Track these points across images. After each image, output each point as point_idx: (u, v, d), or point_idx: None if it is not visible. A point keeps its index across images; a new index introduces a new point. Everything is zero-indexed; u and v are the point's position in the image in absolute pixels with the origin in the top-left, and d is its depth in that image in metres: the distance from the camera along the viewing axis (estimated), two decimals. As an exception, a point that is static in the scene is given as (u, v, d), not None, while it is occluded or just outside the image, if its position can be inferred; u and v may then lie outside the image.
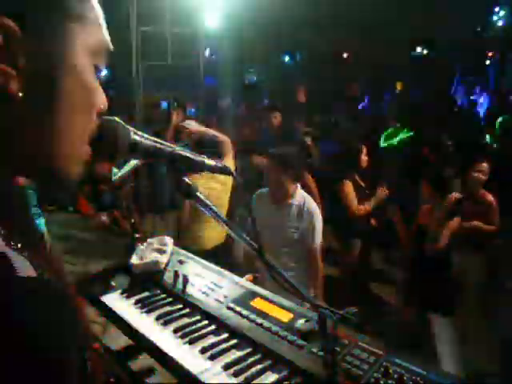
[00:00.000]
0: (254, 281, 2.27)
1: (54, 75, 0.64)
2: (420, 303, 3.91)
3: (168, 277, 1.83)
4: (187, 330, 1.52)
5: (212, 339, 1.48)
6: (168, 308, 1.67)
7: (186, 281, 1.74)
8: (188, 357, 1.39)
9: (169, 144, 1.03)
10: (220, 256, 3.89)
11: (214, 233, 4.08)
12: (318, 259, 3.43)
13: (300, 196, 3.42)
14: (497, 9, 14.42)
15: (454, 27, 12.49)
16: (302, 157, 3.81)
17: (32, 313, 0.55)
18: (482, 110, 10.77)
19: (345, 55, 15.96)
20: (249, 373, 1.31)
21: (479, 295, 4.27)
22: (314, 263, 3.42)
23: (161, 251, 1.97)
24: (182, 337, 1.48)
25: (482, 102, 11.37)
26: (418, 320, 3.88)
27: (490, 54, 14.74)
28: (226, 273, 1.84)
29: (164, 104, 9.59)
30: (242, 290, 1.69)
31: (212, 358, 1.38)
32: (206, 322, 1.57)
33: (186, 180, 1.04)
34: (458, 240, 3.89)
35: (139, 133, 0.98)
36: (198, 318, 1.59)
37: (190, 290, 1.73)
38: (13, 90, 0.60)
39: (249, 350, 1.41)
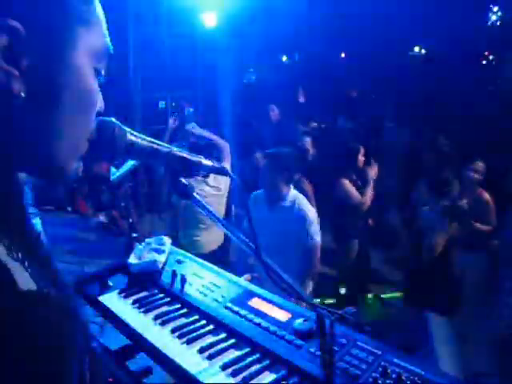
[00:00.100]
0: (252, 280, 2.27)
1: (57, 76, 0.64)
2: (419, 303, 3.91)
3: (166, 276, 1.83)
4: (185, 329, 1.52)
5: (210, 339, 1.47)
6: (166, 308, 1.66)
7: (183, 280, 1.74)
8: (186, 356, 1.38)
9: (166, 145, 1.03)
10: (217, 260, 3.90)
11: (211, 237, 4.09)
12: (316, 256, 3.43)
13: (293, 196, 3.43)
14: (495, 8, 14.43)
15: (454, 27, 12.51)
16: (297, 159, 3.81)
17: (31, 327, 0.55)
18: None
19: (343, 55, 15.97)
20: (247, 372, 1.31)
21: (479, 295, 4.28)
22: (312, 260, 3.43)
23: (159, 251, 1.97)
24: (180, 336, 1.48)
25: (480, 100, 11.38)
26: (417, 319, 3.89)
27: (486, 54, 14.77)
28: (224, 272, 1.84)
29: (162, 104, 9.59)
30: (240, 290, 1.69)
31: (210, 357, 1.37)
32: (203, 321, 1.57)
33: (183, 180, 1.04)
34: (458, 240, 3.90)
35: (136, 133, 0.98)
36: (196, 317, 1.59)
37: (187, 289, 1.72)
38: (15, 90, 0.60)
39: (247, 349, 1.41)
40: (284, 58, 17.02)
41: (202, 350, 1.40)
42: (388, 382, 1.19)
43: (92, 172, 4.88)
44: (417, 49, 16.19)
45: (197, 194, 1.08)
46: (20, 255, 0.59)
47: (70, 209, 4.12)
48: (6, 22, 0.58)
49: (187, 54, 9.57)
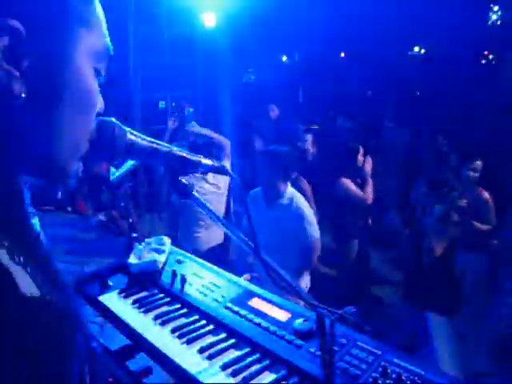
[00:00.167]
0: (252, 280, 2.27)
1: (57, 77, 0.65)
2: (419, 303, 3.91)
3: (166, 276, 1.83)
4: (185, 329, 1.52)
5: (210, 339, 1.47)
6: (166, 308, 1.66)
7: (183, 280, 1.74)
8: (186, 356, 1.38)
9: (166, 144, 1.03)
10: (217, 258, 3.90)
11: (211, 235, 4.09)
12: (315, 254, 3.44)
13: (290, 194, 3.45)
14: (496, 8, 14.41)
15: (453, 26, 12.51)
16: (295, 157, 3.82)
17: (33, 331, 0.55)
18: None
19: (342, 55, 15.97)
20: (247, 373, 1.31)
21: (479, 295, 4.28)
22: (311, 258, 3.44)
23: (159, 251, 1.97)
24: (180, 336, 1.48)
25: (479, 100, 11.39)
26: (417, 319, 3.89)
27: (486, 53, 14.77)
28: (224, 272, 1.84)
29: (162, 104, 9.59)
30: (240, 290, 1.69)
31: (210, 357, 1.37)
32: (203, 321, 1.57)
33: (183, 180, 1.04)
34: (458, 241, 3.90)
35: (136, 133, 0.98)
36: (196, 317, 1.59)
37: (187, 289, 1.72)
38: (16, 90, 0.60)
39: (247, 349, 1.41)
40: (284, 58, 17.02)
41: (201, 350, 1.40)
42: (388, 381, 1.19)
43: (92, 172, 4.88)
44: (416, 49, 16.18)
45: (196, 191, 1.08)
46: (21, 258, 0.59)
47: (69, 209, 4.12)
48: (7, 23, 0.58)
49: (187, 54, 9.57)
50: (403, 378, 1.19)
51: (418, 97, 11.37)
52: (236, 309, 1.57)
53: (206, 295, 1.68)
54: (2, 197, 0.63)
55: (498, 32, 14.19)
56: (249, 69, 15.51)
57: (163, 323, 1.56)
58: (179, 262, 1.93)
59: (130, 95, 8.09)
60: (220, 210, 4.15)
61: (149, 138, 1.00)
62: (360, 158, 4.87)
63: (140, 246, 2.03)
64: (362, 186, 4.86)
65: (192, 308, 1.64)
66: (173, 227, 4.54)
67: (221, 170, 1.12)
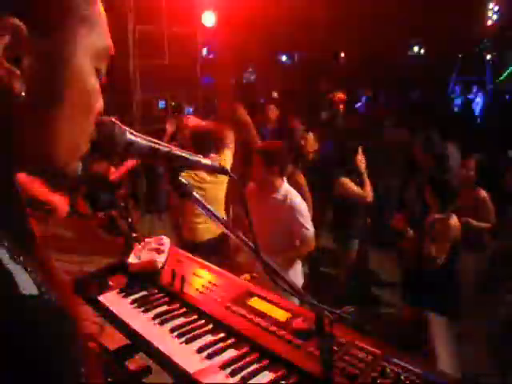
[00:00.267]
0: (252, 280, 2.27)
1: (58, 76, 0.64)
2: (419, 303, 3.91)
3: (165, 276, 1.83)
4: (184, 329, 1.52)
5: (209, 338, 1.48)
6: (165, 307, 1.66)
7: (183, 280, 1.74)
8: (185, 356, 1.38)
9: (165, 144, 1.03)
10: (217, 248, 3.91)
11: (210, 224, 4.07)
12: (306, 244, 3.45)
13: (284, 190, 3.48)
14: (496, 8, 14.37)
15: (453, 26, 12.51)
16: (288, 152, 3.85)
17: (31, 330, 0.55)
18: (477, 109, 10.81)
19: (342, 55, 15.97)
20: (246, 372, 1.31)
21: (479, 295, 4.28)
22: (305, 246, 3.46)
23: (158, 251, 1.97)
24: (179, 336, 1.48)
25: (479, 101, 11.41)
26: (416, 319, 3.89)
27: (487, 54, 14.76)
28: (224, 272, 1.84)
29: (161, 104, 9.58)
30: (240, 290, 1.69)
31: (209, 357, 1.37)
32: (202, 321, 1.57)
33: (182, 180, 1.04)
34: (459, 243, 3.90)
35: (135, 133, 0.98)
36: (195, 317, 1.59)
37: (187, 289, 1.73)
38: (16, 89, 0.60)
39: (246, 349, 1.41)
40: (284, 58, 17.01)
41: (200, 350, 1.40)
42: (387, 381, 1.20)
43: (92, 172, 4.88)
44: (416, 48, 16.18)
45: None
46: (21, 258, 0.59)
47: (69, 208, 4.11)
48: (9, 21, 0.58)
49: (187, 53, 9.56)
50: (402, 377, 1.20)
51: (418, 96, 11.38)
52: (235, 308, 1.57)
53: (205, 295, 1.68)
54: (1, 197, 0.63)
55: (498, 32, 14.19)
56: (249, 69, 15.52)
57: (162, 322, 1.56)
58: (179, 261, 1.93)
59: (129, 95, 8.08)
60: (220, 198, 4.13)
61: (148, 138, 1.00)
62: (359, 157, 4.87)
63: (139, 246, 2.03)
64: (361, 185, 4.86)
65: (191, 307, 1.64)
66: (173, 220, 4.55)
67: (221, 171, 1.11)
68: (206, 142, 3.99)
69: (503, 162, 5.74)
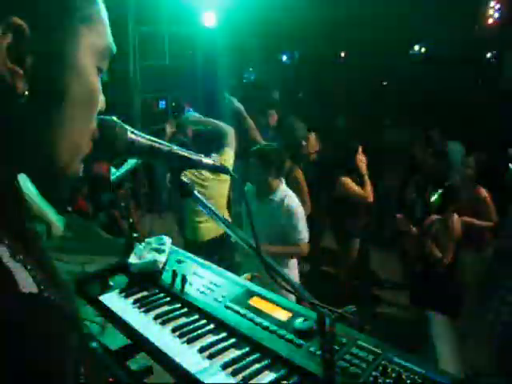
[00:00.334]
0: (252, 279, 2.27)
1: (60, 75, 0.64)
2: (419, 302, 3.91)
3: (166, 276, 1.83)
4: (185, 329, 1.52)
5: (210, 338, 1.47)
6: (166, 307, 1.66)
7: (184, 280, 1.74)
8: (186, 356, 1.38)
9: (166, 143, 1.03)
10: (218, 250, 3.91)
11: (212, 224, 4.07)
12: (300, 252, 3.45)
13: (282, 192, 3.49)
14: (497, 6, 14.29)
15: (453, 26, 12.49)
16: (284, 153, 3.86)
17: (31, 329, 0.55)
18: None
19: (342, 54, 15.96)
20: (247, 372, 1.31)
21: (479, 294, 4.28)
22: (296, 254, 3.47)
23: (159, 251, 1.97)
24: (181, 336, 1.48)
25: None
26: (418, 318, 3.89)
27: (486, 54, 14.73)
28: (225, 272, 1.84)
29: (162, 104, 9.58)
30: (240, 289, 1.69)
31: (210, 357, 1.37)
32: (204, 321, 1.57)
33: (184, 179, 1.04)
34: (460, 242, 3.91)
35: (136, 132, 0.98)
36: (196, 317, 1.59)
37: (188, 289, 1.72)
38: (19, 88, 0.60)
39: (247, 349, 1.41)
40: (284, 58, 17.01)
41: (202, 350, 1.40)
42: (388, 381, 1.19)
43: (92, 172, 4.88)
44: (416, 47, 16.16)
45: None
46: (21, 256, 0.59)
47: (70, 209, 4.12)
48: (12, 21, 0.58)
49: (187, 53, 9.56)
50: (403, 377, 1.19)
51: (419, 96, 11.36)
52: (236, 308, 1.57)
53: (206, 295, 1.68)
54: (2, 196, 0.63)
55: (498, 32, 14.16)
56: (249, 68, 15.51)
57: (163, 323, 1.56)
58: (179, 261, 1.93)
59: (130, 95, 8.09)
60: (222, 197, 4.13)
61: (149, 137, 1.00)
62: (359, 156, 4.88)
63: (140, 246, 2.03)
64: (361, 184, 4.87)
65: (192, 307, 1.64)
66: (176, 220, 4.57)
67: (222, 170, 1.11)
68: (206, 141, 3.99)
69: (504, 161, 5.74)
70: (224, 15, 8.81)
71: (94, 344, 1.49)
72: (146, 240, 2.08)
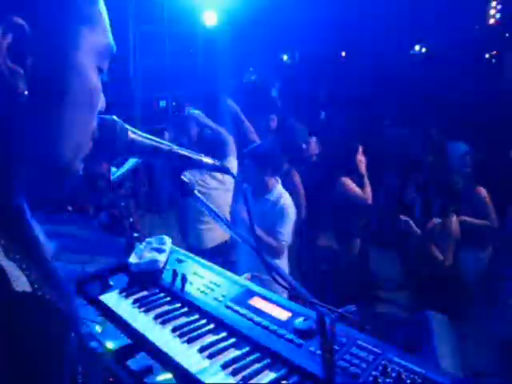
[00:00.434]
0: (252, 279, 2.28)
1: (60, 75, 0.64)
2: (419, 301, 3.91)
3: (166, 276, 1.83)
4: (186, 328, 1.52)
5: (210, 338, 1.48)
6: (166, 307, 1.67)
7: (184, 280, 1.74)
8: (186, 356, 1.39)
9: (167, 142, 1.03)
10: (222, 255, 3.90)
11: (215, 232, 4.08)
12: (275, 252, 3.41)
13: (278, 192, 3.50)
14: (499, 6, 14.25)
15: (453, 26, 12.49)
16: (287, 152, 3.87)
17: (23, 328, 0.55)
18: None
19: (343, 54, 15.96)
20: (247, 372, 1.31)
21: (479, 294, 4.28)
22: (272, 253, 3.42)
23: (159, 250, 1.97)
24: (181, 336, 1.48)
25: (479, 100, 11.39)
26: (418, 318, 3.89)
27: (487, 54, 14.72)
28: (225, 272, 1.84)
29: (162, 103, 9.58)
30: (241, 289, 1.69)
31: (210, 356, 1.38)
32: (204, 320, 1.57)
33: (184, 178, 1.04)
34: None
35: (137, 131, 0.98)
36: (197, 316, 1.59)
37: (188, 288, 1.73)
38: (20, 88, 0.60)
39: (247, 348, 1.41)
40: (285, 58, 17.00)
41: (202, 349, 1.41)
42: (388, 380, 1.20)
43: (92, 171, 4.88)
44: (417, 47, 16.16)
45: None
46: (17, 256, 0.59)
47: (70, 208, 4.11)
48: (13, 20, 0.58)
49: (187, 53, 9.56)
50: (403, 376, 1.19)
51: (419, 96, 11.36)
52: (236, 308, 1.57)
53: (206, 294, 1.68)
54: (1, 197, 0.63)
55: (498, 32, 14.15)
56: (249, 68, 15.50)
57: (164, 322, 1.56)
58: (180, 261, 1.93)
59: (130, 94, 8.09)
60: (226, 205, 4.13)
61: (150, 136, 1.00)
62: (359, 156, 4.88)
63: (141, 246, 2.03)
64: (361, 185, 4.87)
65: (192, 307, 1.64)
66: (178, 227, 4.56)
67: (222, 170, 1.12)
68: (211, 149, 3.98)
69: (505, 162, 5.73)
70: (224, 15, 8.81)
71: (94, 344, 1.49)
72: (147, 240, 2.08)
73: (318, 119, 8.33)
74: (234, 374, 1.30)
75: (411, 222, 4.20)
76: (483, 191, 4.38)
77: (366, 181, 4.84)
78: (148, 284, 1.82)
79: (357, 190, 4.80)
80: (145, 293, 1.77)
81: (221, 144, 4.12)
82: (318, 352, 1.29)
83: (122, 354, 1.50)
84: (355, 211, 4.98)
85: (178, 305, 1.67)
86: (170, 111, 9.09)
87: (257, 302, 1.59)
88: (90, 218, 4.56)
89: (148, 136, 1.00)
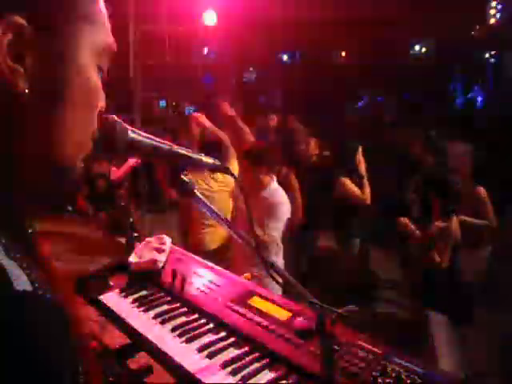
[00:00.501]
0: (252, 279, 2.27)
1: (61, 74, 0.64)
2: (420, 301, 3.91)
3: (166, 275, 1.83)
4: (185, 328, 1.52)
5: (210, 337, 1.48)
6: (166, 306, 1.67)
7: (184, 279, 1.74)
8: (186, 355, 1.38)
9: (166, 142, 1.03)
10: (222, 258, 3.91)
11: (215, 235, 4.09)
12: (263, 247, 3.44)
13: (272, 189, 3.55)
14: (499, 6, 14.22)
15: (453, 25, 12.49)
16: (286, 153, 3.92)
17: (24, 328, 0.55)
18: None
19: (343, 54, 15.96)
20: (246, 371, 1.31)
21: (479, 294, 4.28)
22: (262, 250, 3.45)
23: (159, 250, 1.97)
24: (180, 335, 1.48)
25: (479, 100, 11.42)
26: (417, 318, 3.89)
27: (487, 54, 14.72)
28: (224, 271, 1.84)
29: (162, 103, 9.58)
30: (240, 289, 1.69)
31: (210, 356, 1.38)
32: (203, 320, 1.57)
33: (184, 178, 1.04)
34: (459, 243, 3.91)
35: (137, 131, 0.98)
36: (196, 316, 1.59)
37: (187, 288, 1.73)
38: (20, 87, 0.60)
39: (246, 348, 1.41)
40: (285, 58, 17.00)
41: (201, 349, 1.41)
42: (388, 380, 1.19)
43: (93, 171, 4.88)
44: (417, 47, 16.17)
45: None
46: (18, 255, 0.59)
47: (70, 208, 4.12)
48: (12, 19, 0.58)
49: (187, 52, 9.56)
50: (403, 376, 1.19)
51: (419, 96, 11.37)
52: (236, 307, 1.57)
53: (206, 294, 1.68)
54: (1, 196, 0.63)
55: (498, 32, 14.15)
56: (249, 68, 15.51)
57: (163, 322, 1.56)
58: (179, 260, 1.93)
59: (130, 94, 8.09)
60: (227, 207, 4.13)
61: (150, 136, 1.00)
62: (359, 157, 4.88)
63: (140, 246, 2.03)
64: (361, 187, 4.88)
65: (192, 307, 1.64)
66: (179, 228, 4.57)
67: (222, 169, 1.11)
68: (214, 152, 4.00)
69: (505, 162, 5.74)
70: (224, 15, 8.81)
71: (94, 343, 1.49)
72: (146, 239, 2.08)
73: (317, 119, 8.32)
74: (233, 373, 1.30)
75: (411, 225, 4.19)
76: (483, 191, 4.38)
77: (366, 182, 4.84)
78: (147, 283, 1.82)
79: (355, 190, 4.80)
80: (144, 292, 1.77)
81: (224, 147, 4.15)
82: (318, 352, 1.29)
83: (121, 353, 1.50)
84: (354, 211, 4.99)
85: (178, 304, 1.67)
86: (169, 111, 9.09)
87: (256, 302, 1.59)
88: (90, 217, 4.56)
89: (148, 135, 1.00)
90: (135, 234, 2.20)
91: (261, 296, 1.63)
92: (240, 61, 12.62)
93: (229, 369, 1.32)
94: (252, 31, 11.57)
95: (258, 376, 1.30)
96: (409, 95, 11.71)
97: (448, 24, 12.39)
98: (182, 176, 1.04)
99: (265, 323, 1.47)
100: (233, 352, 1.40)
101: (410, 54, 15.98)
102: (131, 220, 2.64)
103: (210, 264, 1.90)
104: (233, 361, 1.35)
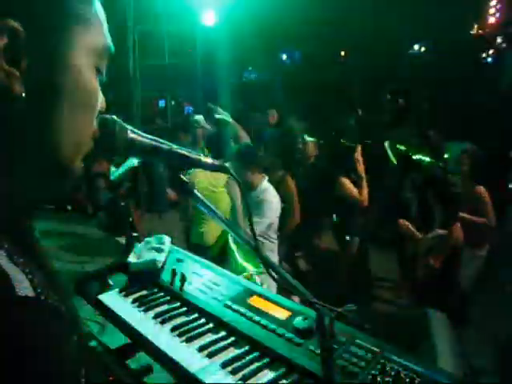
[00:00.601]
0: (252, 278, 2.28)
1: (57, 76, 0.64)
2: (418, 300, 3.92)
3: (166, 275, 1.83)
4: (185, 328, 1.52)
5: (210, 337, 1.48)
6: (166, 306, 1.67)
7: (183, 279, 1.74)
8: (186, 355, 1.39)
9: (166, 142, 1.04)
10: (223, 252, 3.92)
11: (215, 230, 4.11)
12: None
13: (263, 187, 3.61)
14: (499, 5, 14.18)
15: (454, 26, 12.49)
16: (285, 154, 3.99)
17: (26, 332, 0.55)
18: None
19: (342, 53, 15.96)
20: (246, 371, 1.31)
21: (479, 293, 4.29)
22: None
23: (158, 250, 1.97)
24: (180, 335, 1.48)
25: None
26: (417, 317, 3.89)
27: (486, 54, 14.70)
28: (224, 271, 1.84)
29: (161, 102, 9.58)
30: (240, 288, 1.69)
31: (210, 355, 1.38)
32: (203, 320, 1.57)
33: (183, 177, 1.04)
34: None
35: (136, 131, 0.99)
36: (196, 316, 1.59)
37: (187, 288, 1.73)
38: (16, 90, 0.60)
39: (246, 347, 1.42)
40: (284, 57, 17.00)
41: (201, 349, 1.41)
42: (387, 379, 1.20)
43: (92, 171, 4.88)
44: (416, 47, 16.16)
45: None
46: (21, 259, 0.59)
47: (69, 208, 4.12)
48: (6, 23, 0.58)
49: (187, 52, 9.56)
50: (402, 375, 1.20)
51: (419, 96, 11.35)
52: (236, 307, 1.57)
53: (205, 293, 1.68)
54: (2, 199, 0.63)
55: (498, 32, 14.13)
56: (249, 67, 15.50)
57: (163, 322, 1.56)
58: (179, 260, 1.93)
59: (129, 94, 8.08)
60: (227, 207, 4.16)
61: (149, 136, 1.01)
62: (358, 157, 4.89)
63: (140, 245, 2.03)
64: (359, 187, 4.89)
65: (192, 306, 1.64)
66: (181, 224, 4.60)
67: (221, 169, 1.12)
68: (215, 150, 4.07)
69: (505, 162, 5.75)
70: (224, 14, 8.81)
71: (94, 343, 1.49)
72: (146, 239, 2.08)
73: (317, 119, 8.32)
74: (233, 372, 1.30)
75: (411, 226, 4.20)
76: (482, 190, 4.38)
77: (364, 183, 4.85)
78: (147, 283, 1.82)
79: (354, 191, 4.81)
80: (144, 292, 1.77)
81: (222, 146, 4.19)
82: (318, 351, 1.29)
83: (121, 353, 1.50)
84: (354, 210, 4.99)
85: (177, 304, 1.67)
86: (169, 111, 9.09)
87: (256, 301, 1.60)
88: (89, 217, 4.56)
89: (147, 135, 1.00)
90: (135, 234, 2.20)
91: (260, 295, 1.63)
92: (239, 60, 12.61)
93: (229, 368, 1.32)
94: (252, 31, 11.57)
95: (258, 375, 1.30)
96: (408, 95, 11.67)
97: (448, 24, 12.39)
98: (182, 176, 1.04)
99: (264, 322, 1.48)
100: (233, 351, 1.41)
101: (410, 53, 15.98)
102: (131, 220, 2.64)
103: (210, 263, 1.91)
104: (233, 360, 1.35)
